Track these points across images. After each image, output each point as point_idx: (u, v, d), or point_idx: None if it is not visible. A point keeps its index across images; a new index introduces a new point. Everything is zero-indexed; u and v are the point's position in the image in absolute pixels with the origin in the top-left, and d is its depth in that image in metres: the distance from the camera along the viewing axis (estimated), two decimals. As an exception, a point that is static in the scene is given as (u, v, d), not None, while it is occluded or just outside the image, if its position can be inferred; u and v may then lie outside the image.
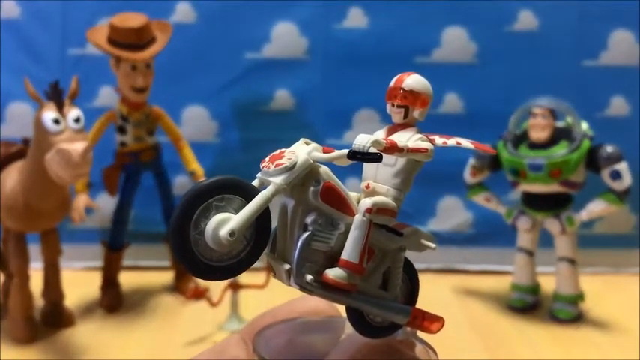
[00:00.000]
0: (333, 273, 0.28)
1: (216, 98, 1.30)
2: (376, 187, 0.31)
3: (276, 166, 0.28)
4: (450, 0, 1.28)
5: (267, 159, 0.29)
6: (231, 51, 1.29)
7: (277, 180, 0.28)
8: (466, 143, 0.30)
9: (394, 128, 0.31)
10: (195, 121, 1.30)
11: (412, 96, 0.31)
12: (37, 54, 1.28)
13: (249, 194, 0.27)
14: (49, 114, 0.85)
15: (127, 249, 1.16)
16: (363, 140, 0.29)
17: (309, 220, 0.29)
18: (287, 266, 0.28)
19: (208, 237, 0.26)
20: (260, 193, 0.27)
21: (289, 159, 0.28)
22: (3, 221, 0.96)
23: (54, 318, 1.00)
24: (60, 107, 0.86)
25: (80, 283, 1.16)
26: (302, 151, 0.29)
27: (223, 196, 0.27)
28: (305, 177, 0.28)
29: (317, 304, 0.30)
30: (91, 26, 1.13)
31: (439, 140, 0.30)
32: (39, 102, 0.87)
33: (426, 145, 0.30)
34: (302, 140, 0.31)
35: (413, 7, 1.28)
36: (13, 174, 0.94)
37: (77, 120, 0.87)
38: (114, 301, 1.09)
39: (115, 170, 1.10)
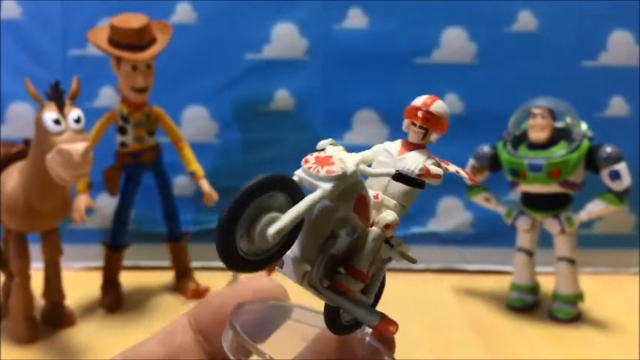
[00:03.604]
0: (345, 281, 0.29)
1: (217, 99, 1.30)
2: (385, 199, 0.32)
3: (328, 172, 0.28)
4: (450, 0, 1.28)
5: (311, 159, 0.29)
6: (232, 51, 1.29)
7: (327, 186, 0.28)
8: (462, 173, 0.32)
9: (409, 145, 0.32)
10: (195, 122, 1.30)
11: (435, 120, 0.31)
12: (37, 54, 1.28)
13: (295, 194, 0.28)
14: (50, 114, 0.85)
15: (128, 249, 1.16)
16: (412, 165, 0.30)
17: (338, 227, 0.29)
18: (307, 267, 0.29)
19: (256, 233, 0.26)
20: (308, 197, 0.27)
21: (341, 167, 0.28)
22: (4, 221, 0.96)
23: (55, 318, 1.01)
24: (60, 107, 0.86)
25: (81, 283, 1.16)
26: (350, 160, 0.29)
27: (274, 193, 0.27)
28: (348, 187, 0.29)
29: (262, 286, 0.31)
30: (92, 27, 1.13)
31: (444, 165, 0.31)
32: (39, 102, 0.88)
33: (440, 171, 0.31)
34: (329, 140, 0.31)
35: (413, 8, 1.28)
36: (14, 174, 0.94)
37: (78, 120, 0.87)
38: (114, 301, 1.09)
39: (115, 170, 1.10)
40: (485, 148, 1.10)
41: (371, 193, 0.31)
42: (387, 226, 0.30)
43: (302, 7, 1.29)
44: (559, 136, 1.04)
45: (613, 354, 0.93)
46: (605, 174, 1.01)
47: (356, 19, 1.29)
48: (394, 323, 0.30)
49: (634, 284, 1.20)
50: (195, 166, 1.14)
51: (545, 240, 1.10)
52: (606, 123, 1.26)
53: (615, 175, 1.00)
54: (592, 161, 1.02)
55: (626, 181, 1.00)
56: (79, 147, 0.83)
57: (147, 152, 1.12)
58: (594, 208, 1.04)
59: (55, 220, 0.98)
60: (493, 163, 1.10)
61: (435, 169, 0.30)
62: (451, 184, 1.23)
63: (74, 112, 0.87)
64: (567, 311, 1.05)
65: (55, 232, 1.00)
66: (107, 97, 1.27)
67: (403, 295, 1.16)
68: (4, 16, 1.28)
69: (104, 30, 1.08)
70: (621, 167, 1.00)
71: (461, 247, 1.32)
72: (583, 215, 1.05)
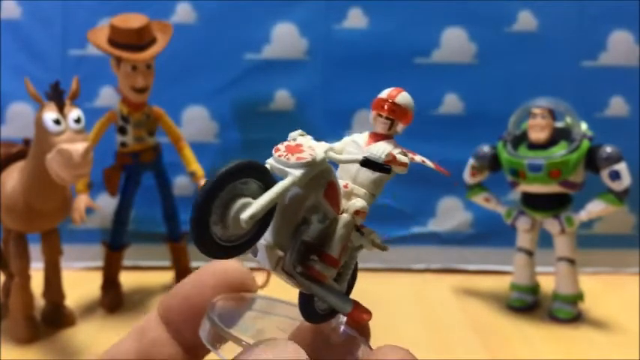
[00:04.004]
0: (319, 267, 0.30)
1: (217, 99, 1.30)
2: (354, 188, 0.33)
3: (298, 159, 0.29)
4: (450, 0, 1.28)
5: (282, 148, 0.30)
6: (231, 51, 1.29)
7: (297, 173, 0.28)
8: (429, 163, 0.33)
9: (376, 136, 0.33)
10: (195, 122, 1.30)
11: (400, 111, 0.32)
12: (37, 54, 1.28)
13: (267, 181, 0.28)
14: (50, 114, 0.85)
15: (128, 249, 1.16)
16: (378, 151, 0.31)
17: (309, 213, 0.30)
18: (280, 253, 0.29)
19: (229, 218, 0.27)
20: (279, 183, 0.28)
21: (311, 154, 0.29)
22: (3, 221, 0.96)
23: (55, 318, 1.01)
24: (60, 108, 0.86)
25: (81, 283, 1.16)
26: (319, 148, 0.30)
27: (247, 179, 0.28)
28: (317, 173, 0.30)
29: (227, 270, 0.31)
30: (92, 27, 1.13)
31: (410, 155, 0.32)
32: (39, 102, 0.88)
33: (406, 159, 0.32)
34: (299, 132, 0.32)
35: (413, 8, 1.28)
36: (14, 174, 0.94)
37: (78, 120, 0.87)
38: (114, 301, 1.09)
39: (115, 170, 1.10)
40: (485, 148, 1.10)
41: (341, 182, 0.32)
42: (357, 213, 0.31)
43: (302, 7, 1.29)
44: (559, 136, 1.04)
45: (613, 354, 0.93)
46: (605, 174, 1.01)
47: (356, 19, 1.29)
48: (368, 311, 0.30)
49: (634, 284, 1.20)
50: (196, 166, 1.14)
51: (545, 240, 1.10)
52: (606, 123, 1.26)
53: (615, 175, 1.00)
54: (592, 161, 1.02)
55: (626, 181, 1.00)
56: (79, 147, 0.82)
57: (147, 152, 1.12)
58: (594, 208, 1.04)
59: (55, 220, 0.98)
60: (493, 163, 1.10)
61: (401, 157, 0.31)
62: (451, 184, 1.23)
63: (74, 112, 0.87)
64: (567, 311, 1.05)
65: (55, 232, 1.00)
66: (107, 97, 1.27)
67: (403, 295, 1.16)
68: (4, 16, 1.28)
69: (104, 30, 1.08)
70: (621, 167, 1.00)
71: (461, 247, 1.32)
72: (583, 215, 1.05)
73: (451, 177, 1.18)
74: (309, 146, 0.30)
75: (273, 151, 0.29)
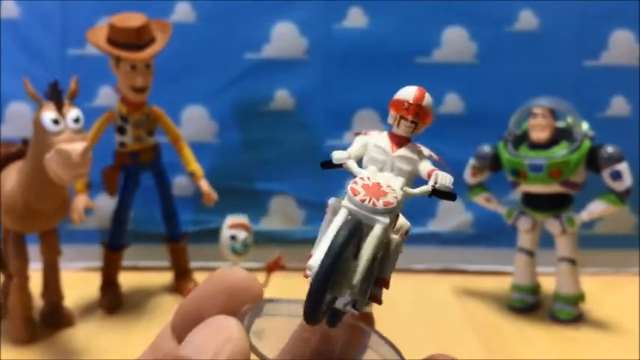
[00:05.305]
0: (379, 293, 0.30)
1: (216, 98, 1.30)
2: (388, 185, 0.32)
3: (385, 204, 0.27)
4: (450, 0, 1.28)
5: (361, 190, 0.28)
6: (231, 51, 1.29)
7: (387, 220, 0.27)
8: (434, 156, 0.32)
9: (398, 138, 0.31)
10: (194, 122, 1.30)
11: (424, 114, 0.31)
12: (36, 54, 1.28)
13: (361, 235, 0.28)
14: (49, 114, 0.85)
15: (127, 249, 1.15)
16: (447, 180, 0.30)
17: (380, 250, 0.29)
18: (353, 297, 0.28)
19: (342, 285, 0.26)
20: (374, 237, 0.27)
21: (395, 197, 0.28)
22: (2, 221, 0.96)
23: (53, 318, 1.00)
24: (59, 107, 0.86)
25: (80, 283, 1.16)
26: (396, 184, 0.29)
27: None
28: None
29: (235, 281, 0.30)
30: (91, 26, 1.13)
31: (427, 152, 0.32)
32: (38, 102, 0.87)
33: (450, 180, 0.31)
34: (346, 153, 0.30)
35: (413, 7, 1.28)
36: (13, 174, 0.93)
37: (76, 120, 0.87)
38: (113, 302, 1.09)
39: (114, 170, 1.10)
40: (486, 148, 1.10)
41: (369, 173, 0.30)
42: (407, 233, 0.30)
43: (302, 6, 1.29)
44: (560, 136, 1.03)
45: (614, 354, 0.93)
46: (606, 174, 1.01)
47: (356, 18, 1.29)
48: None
49: (635, 285, 1.20)
50: (195, 166, 1.14)
51: (545, 240, 1.10)
52: (607, 123, 1.25)
53: (617, 175, 1.00)
54: (593, 161, 1.01)
55: (627, 181, 1.00)
56: (77, 147, 0.82)
57: (146, 152, 1.12)
58: (595, 208, 1.04)
59: (54, 221, 0.98)
60: (494, 163, 1.09)
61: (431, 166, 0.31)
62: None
63: (73, 112, 0.87)
64: (568, 312, 1.05)
65: (53, 232, 1.00)
66: (106, 96, 1.26)
67: (403, 295, 1.16)
68: (3, 16, 1.27)
69: (103, 29, 1.07)
70: (622, 167, 1.00)
71: (461, 247, 1.31)
72: (584, 215, 1.04)
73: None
74: (388, 185, 0.28)
75: (351, 193, 0.28)
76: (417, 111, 0.30)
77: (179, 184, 1.28)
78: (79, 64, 1.26)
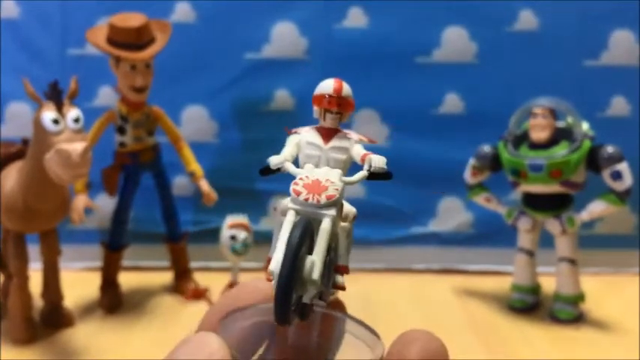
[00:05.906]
0: (340, 280, 0.31)
1: (216, 98, 1.30)
2: (328, 178, 0.33)
3: (328, 197, 0.29)
4: (450, 0, 1.28)
5: (302, 190, 0.29)
6: (231, 51, 1.29)
7: (333, 212, 0.29)
8: (365, 139, 0.34)
9: (327, 130, 0.33)
10: (194, 121, 1.30)
11: (346, 103, 0.33)
12: (36, 54, 1.28)
13: (312, 231, 0.29)
14: (48, 114, 0.85)
15: (127, 249, 1.15)
16: (381, 162, 0.31)
17: (333, 240, 0.30)
18: (318, 290, 0.29)
19: (305, 282, 0.27)
20: (324, 231, 0.28)
21: (336, 189, 0.29)
22: (2, 222, 0.95)
23: (53, 318, 1.00)
24: (59, 107, 0.86)
25: (79, 283, 1.16)
26: (334, 177, 0.30)
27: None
28: None
29: (262, 287, 0.31)
30: (91, 26, 1.13)
31: (357, 137, 0.33)
32: (38, 102, 0.87)
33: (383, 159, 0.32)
34: (279, 158, 0.31)
35: (413, 7, 1.28)
36: (13, 174, 0.93)
37: (76, 120, 0.86)
38: (113, 302, 1.09)
39: (114, 170, 1.10)
40: (486, 148, 1.10)
41: (307, 171, 0.31)
42: (354, 218, 0.32)
43: (302, 6, 1.29)
44: (560, 135, 1.03)
45: (614, 354, 0.93)
46: (606, 174, 1.01)
47: (356, 18, 1.29)
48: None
49: (635, 285, 1.20)
50: (195, 166, 1.14)
51: (546, 240, 1.10)
52: (608, 123, 1.25)
53: (617, 175, 1.00)
54: (593, 161, 1.01)
55: (627, 181, 1.00)
56: (77, 147, 0.82)
57: (146, 152, 1.11)
58: (596, 208, 1.04)
59: (54, 221, 0.98)
60: (494, 163, 1.09)
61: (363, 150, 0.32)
62: (451, 184, 1.23)
63: (73, 112, 0.87)
64: (568, 312, 1.05)
65: (53, 232, 1.00)
66: (106, 96, 1.26)
67: (403, 295, 1.16)
68: (3, 16, 1.27)
69: (103, 29, 1.07)
70: (623, 167, 1.00)
71: (461, 247, 1.31)
72: (584, 215, 1.04)
73: (448, 177, 1.18)
74: (327, 179, 0.30)
75: (293, 194, 0.29)
76: (339, 102, 0.32)
77: (179, 184, 1.28)
78: (79, 64, 1.26)
